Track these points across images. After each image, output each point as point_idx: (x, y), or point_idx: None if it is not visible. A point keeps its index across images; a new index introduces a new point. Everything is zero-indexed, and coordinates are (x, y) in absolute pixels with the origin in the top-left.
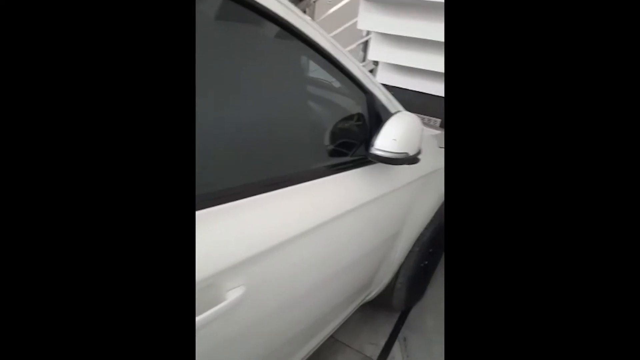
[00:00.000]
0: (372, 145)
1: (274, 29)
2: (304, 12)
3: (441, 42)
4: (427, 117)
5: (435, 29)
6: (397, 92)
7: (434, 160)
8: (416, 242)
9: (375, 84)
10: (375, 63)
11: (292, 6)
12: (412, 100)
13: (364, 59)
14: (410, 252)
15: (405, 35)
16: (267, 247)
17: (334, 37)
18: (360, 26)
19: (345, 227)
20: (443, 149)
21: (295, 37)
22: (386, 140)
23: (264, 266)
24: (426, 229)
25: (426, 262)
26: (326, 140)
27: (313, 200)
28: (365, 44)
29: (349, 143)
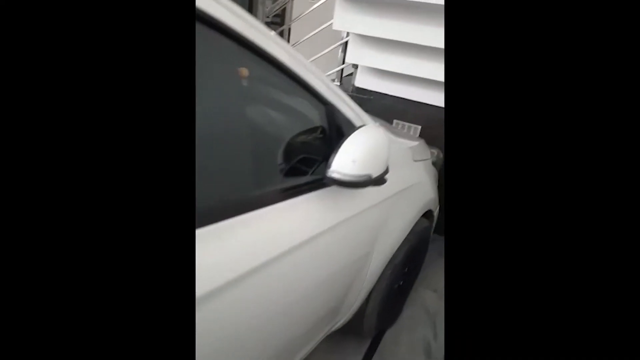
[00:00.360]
0: (329, 167)
1: (212, 34)
2: (284, 9)
3: (423, 45)
4: (408, 124)
5: (417, 32)
6: (377, 97)
7: (407, 176)
8: (388, 264)
9: (338, 94)
10: (355, 66)
11: (234, 7)
12: (392, 106)
13: (343, 62)
14: (382, 275)
15: (384, 37)
16: (202, 292)
17: (313, 36)
18: (336, 27)
19: (302, 259)
20: (419, 163)
21: (235, 42)
22: (344, 161)
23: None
24: (399, 249)
25: (401, 282)
26: (280, 158)
27: (262, 232)
28: (345, 46)
29: (309, 162)
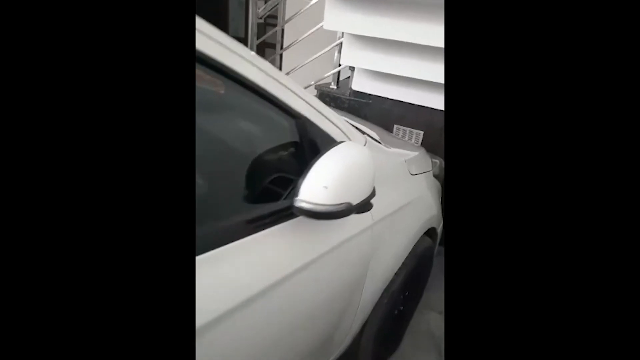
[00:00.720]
0: (296, 195)
1: None
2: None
3: (424, 45)
4: (409, 129)
5: (415, 30)
6: (376, 101)
7: (402, 193)
8: (384, 293)
9: (312, 104)
10: (352, 68)
11: None
12: (392, 111)
13: (339, 64)
14: (377, 304)
15: (380, 36)
16: None
17: (310, 38)
18: (327, 26)
19: (274, 301)
20: (418, 176)
21: None
22: (314, 188)
23: None
24: (397, 274)
25: (401, 307)
26: (243, 183)
27: (224, 275)
28: (341, 47)
29: (280, 185)
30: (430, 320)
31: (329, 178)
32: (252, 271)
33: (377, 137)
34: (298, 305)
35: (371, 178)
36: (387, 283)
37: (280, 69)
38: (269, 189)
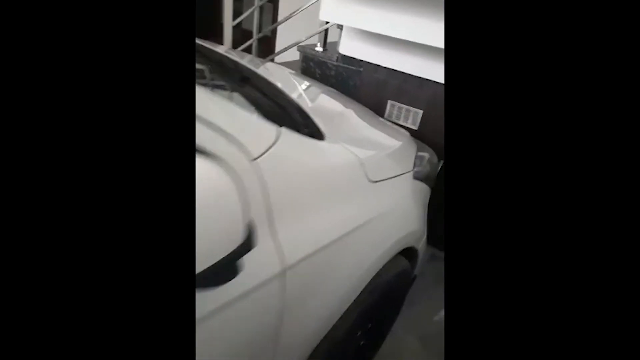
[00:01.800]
0: None
1: None
2: None
3: None
4: (406, 106)
5: None
6: (368, 68)
7: (351, 213)
8: (324, 340)
9: None
10: (340, 27)
11: None
12: (387, 82)
13: (325, 22)
14: (316, 351)
15: None
16: None
17: None
18: None
19: None
20: (383, 182)
21: None
22: None
23: None
24: (344, 318)
25: (361, 343)
26: None
27: None
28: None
29: None
30: (405, 348)
31: None
32: None
33: (323, 124)
34: None
35: (231, 221)
36: (328, 330)
37: (267, 21)
38: None
